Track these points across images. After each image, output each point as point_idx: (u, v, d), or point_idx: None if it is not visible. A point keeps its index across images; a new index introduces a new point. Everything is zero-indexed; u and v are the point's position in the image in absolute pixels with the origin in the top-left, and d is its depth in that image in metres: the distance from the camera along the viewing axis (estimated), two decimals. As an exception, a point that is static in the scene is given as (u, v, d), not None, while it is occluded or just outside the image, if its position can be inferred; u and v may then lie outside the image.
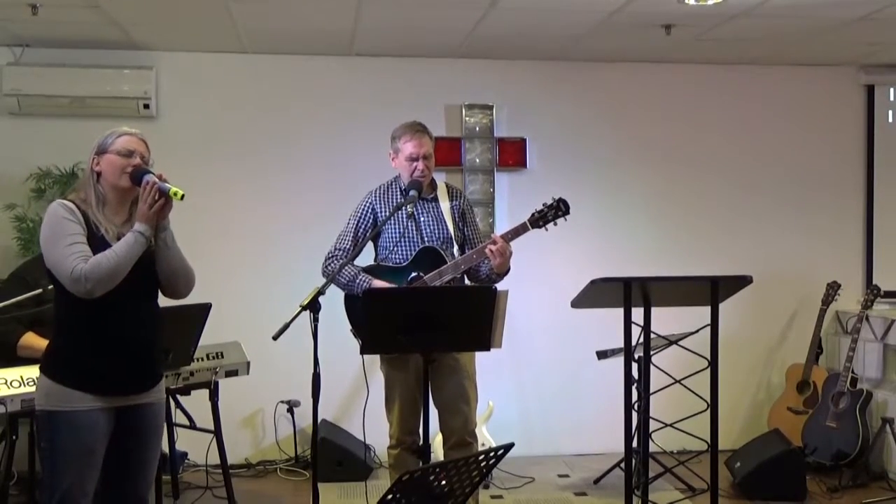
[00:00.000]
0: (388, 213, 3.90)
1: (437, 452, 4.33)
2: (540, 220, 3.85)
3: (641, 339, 3.76)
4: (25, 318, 3.84)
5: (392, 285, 3.80)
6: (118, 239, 2.85)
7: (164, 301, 3.13)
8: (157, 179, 2.85)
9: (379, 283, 3.80)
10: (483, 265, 3.90)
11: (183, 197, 2.84)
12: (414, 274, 3.84)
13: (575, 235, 4.69)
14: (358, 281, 3.83)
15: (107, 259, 2.77)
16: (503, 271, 3.85)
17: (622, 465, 4.31)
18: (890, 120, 6.04)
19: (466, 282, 4.04)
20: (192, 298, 3.67)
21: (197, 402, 4.50)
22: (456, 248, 3.99)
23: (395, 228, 3.93)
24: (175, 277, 2.99)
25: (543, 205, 3.86)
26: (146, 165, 2.93)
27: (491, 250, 3.74)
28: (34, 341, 3.85)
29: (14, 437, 3.79)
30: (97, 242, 2.82)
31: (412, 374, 3.76)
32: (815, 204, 5.99)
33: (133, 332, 2.89)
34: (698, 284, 3.76)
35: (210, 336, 4.13)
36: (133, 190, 2.90)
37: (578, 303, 3.71)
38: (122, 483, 2.96)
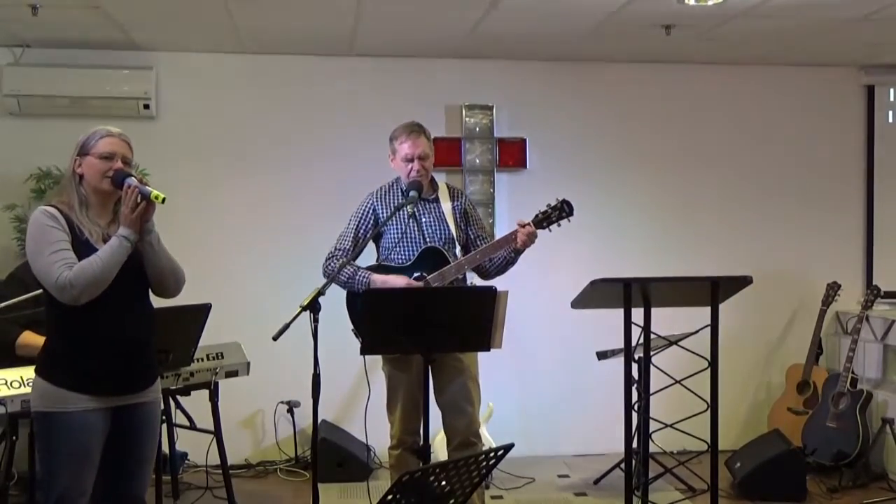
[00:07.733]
0: (388, 214, 3.90)
1: (438, 453, 4.33)
2: (544, 221, 3.85)
3: (641, 340, 3.76)
4: (22, 319, 3.83)
5: (390, 278, 3.81)
6: (104, 240, 2.84)
7: (162, 301, 3.13)
8: (137, 183, 2.83)
9: (378, 278, 3.81)
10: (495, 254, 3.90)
11: (164, 200, 2.83)
12: (417, 274, 3.85)
13: (575, 236, 4.67)
14: (358, 277, 3.84)
15: (91, 265, 2.76)
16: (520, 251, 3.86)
17: (622, 465, 4.31)
18: (890, 120, 6.04)
19: (472, 278, 4.04)
20: (191, 299, 3.68)
21: (197, 403, 4.50)
22: (458, 248, 3.99)
23: (396, 229, 3.92)
24: (163, 278, 2.99)
25: (547, 206, 3.86)
26: (128, 167, 2.91)
27: (521, 236, 3.75)
28: (32, 339, 3.83)
29: (14, 438, 3.78)
30: (82, 246, 2.82)
31: (415, 374, 3.76)
32: (815, 204, 5.99)
33: (125, 331, 2.90)
34: (698, 285, 3.76)
35: (210, 336, 4.12)
36: (115, 193, 2.89)
37: (578, 303, 3.71)
38: (119, 482, 2.97)
